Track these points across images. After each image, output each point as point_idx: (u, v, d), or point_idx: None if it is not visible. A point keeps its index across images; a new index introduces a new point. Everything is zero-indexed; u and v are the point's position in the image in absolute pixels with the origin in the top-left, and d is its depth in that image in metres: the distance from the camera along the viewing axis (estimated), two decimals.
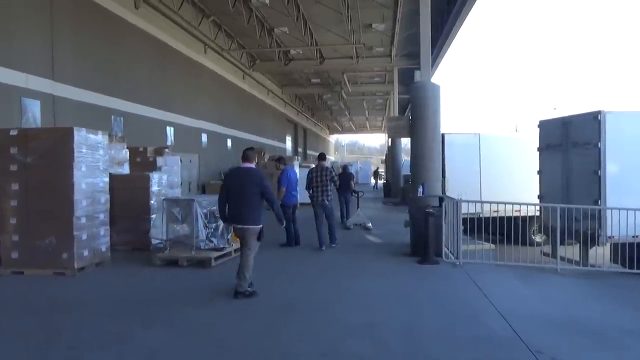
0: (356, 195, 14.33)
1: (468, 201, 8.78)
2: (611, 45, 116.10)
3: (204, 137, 20.46)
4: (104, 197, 8.18)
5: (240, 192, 6.08)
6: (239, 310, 5.60)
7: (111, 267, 8.00)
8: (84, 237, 7.53)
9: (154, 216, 9.52)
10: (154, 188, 9.94)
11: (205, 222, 8.29)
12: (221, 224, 8.53)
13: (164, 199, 8.53)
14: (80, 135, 7.54)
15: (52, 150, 7.41)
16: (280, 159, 10.52)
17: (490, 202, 9.29)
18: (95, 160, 7.91)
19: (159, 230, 8.51)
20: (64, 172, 7.34)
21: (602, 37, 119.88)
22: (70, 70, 11.75)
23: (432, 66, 12.11)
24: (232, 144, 24.18)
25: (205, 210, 8.31)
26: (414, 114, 9.99)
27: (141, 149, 12.03)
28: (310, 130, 52.26)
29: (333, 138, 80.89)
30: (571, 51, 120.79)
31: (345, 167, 16.95)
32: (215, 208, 8.44)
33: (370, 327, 5.03)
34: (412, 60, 24.00)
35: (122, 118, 13.70)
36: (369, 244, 10.70)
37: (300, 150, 46.40)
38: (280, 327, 5.07)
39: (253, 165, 6.40)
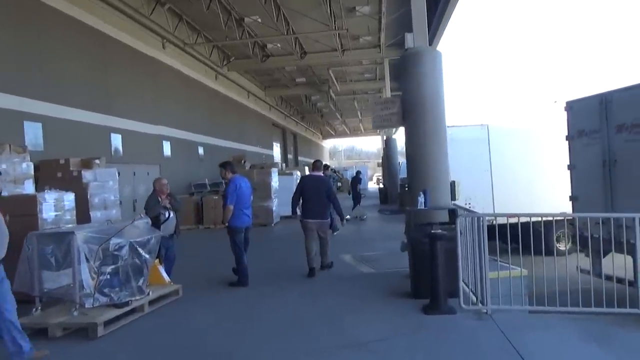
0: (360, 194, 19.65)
1: (495, 215, 5.89)
2: (609, 38, 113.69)
3: (167, 146, 17.54)
4: None
5: (315, 194, 7.76)
6: None
7: None
8: None
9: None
10: (49, 214, 7.08)
11: (96, 265, 5.41)
12: (126, 266, 5.74)
13: (29, 234, 5.59)
14: None
15: None
16: (226, 165, 7.61)
17: (530, 215, 6.17)
18: None
19: (25, 280, 5.54)
20: None
21: (600, 31, 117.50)
22: None
23: (428, 33, 9.25)
24: (204, 152, 21.28)
25: (96, 247, 5.43)
26: (407, 94, 7.18)
27: (62, 162, 9.34)
28: (301, 135, 49.19)
29: (328, 143, 77.71)
30: (568, 43, 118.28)
31: (358, 172, 21.76)
32: (120, 242, 5.68)
33: None
34: (403, 49, 21.31)
35: (41, 124, 10.83)
36: (356, 277, 7.75)
37: (290, 157, 43.45)
38: None
39: (321, 173, 8.37)
